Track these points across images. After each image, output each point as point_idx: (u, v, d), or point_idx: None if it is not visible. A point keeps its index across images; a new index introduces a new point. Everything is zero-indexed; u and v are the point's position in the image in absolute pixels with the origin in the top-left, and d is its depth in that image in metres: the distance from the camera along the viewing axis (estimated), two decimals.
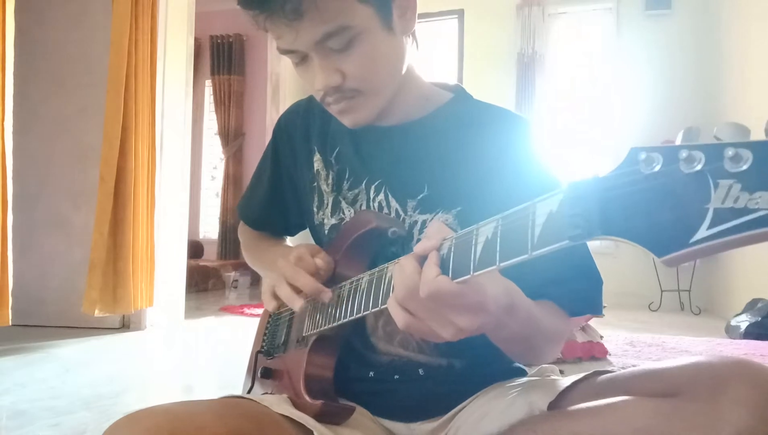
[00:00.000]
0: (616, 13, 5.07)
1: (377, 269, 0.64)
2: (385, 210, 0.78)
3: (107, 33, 2.90)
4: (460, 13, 5.52)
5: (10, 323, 2.26)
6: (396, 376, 0.77)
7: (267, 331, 0.90)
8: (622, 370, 0.64)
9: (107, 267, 2.84)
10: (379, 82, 0.73)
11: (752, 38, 3.96)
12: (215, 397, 0.70)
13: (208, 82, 6.50)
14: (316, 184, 0.86)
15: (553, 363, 0.86)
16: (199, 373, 2.42)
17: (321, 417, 0.68)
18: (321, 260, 0.72)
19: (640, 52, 4.96)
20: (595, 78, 5.22)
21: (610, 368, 0.75)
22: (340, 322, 0.68)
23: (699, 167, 0.32)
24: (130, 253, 2.89)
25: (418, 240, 0.63)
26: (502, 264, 0.45)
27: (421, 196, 0.77)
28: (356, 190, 0.81)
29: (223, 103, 6.35)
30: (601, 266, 0.74)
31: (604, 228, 0.37)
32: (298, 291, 0.71)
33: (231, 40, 6.32)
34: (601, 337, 2.51)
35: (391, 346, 0.78)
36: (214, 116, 6.48)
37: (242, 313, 3.88)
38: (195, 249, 5.68)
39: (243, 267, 5.47)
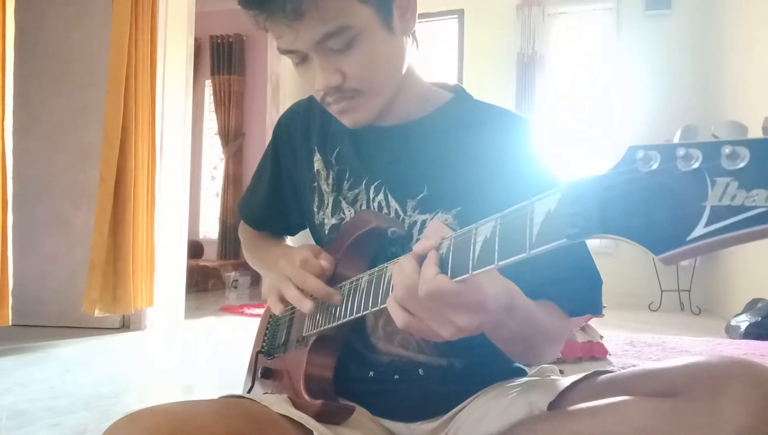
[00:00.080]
0: (616, 13, 5.07)
1: (377, 269, 0.64)
2: (385, 210, 0.78)
3: (107, 33, 2.90)
4: (460, 13, 5.52)
5: (10, 323, 2.26)
6: (396, 376, 0.77)
7: (267, 332, 0.91)
8: (622, 370, 0.64)
9: (107, 267, 2.84)
10: (379, 82, 0.73)
11: (752, 38, 3.96)
12: (215, 397, 0.70)
13: (208, 82, 6.50)
14: (316, 184, 0.86)
15: (553, 363, 0.86)
16: (199, 373, 2.42)
17: (321, 417, 0.68)
18: (326, 262, 0.72)
19: (640, 52, 4.97)
20: (595, 78, 5.22)
21: (610, 368, 0.75)
22: (339, 321, 0.68)
23: (696, 165, 0.32)
24: (130, 253, 2.89)
25: (418, 240, 0.63)
26: (500, 263, 0.45)
27: (420, 196, 0.77)
28: (356, 190, 0.81)
29: (223, 103, 6.35)
30: (601, 266, 0.74)
31: (602, 226, 0.37)
32: (305, 293, 0.71)
33: (231, 40, 6.32)
34: (601, 337, 2.51)
35: (391, 346, 0.78)
36: (214, 116, 6.48)
37: (242, 313, 3.88)
38: (195, 249, 5.69)
39: (243, 267, 5.47)
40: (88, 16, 3.17)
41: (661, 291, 4.59)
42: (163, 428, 0.55)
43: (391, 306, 0.55)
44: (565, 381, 0.67)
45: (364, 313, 0.64)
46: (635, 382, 0.59)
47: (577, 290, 0.71)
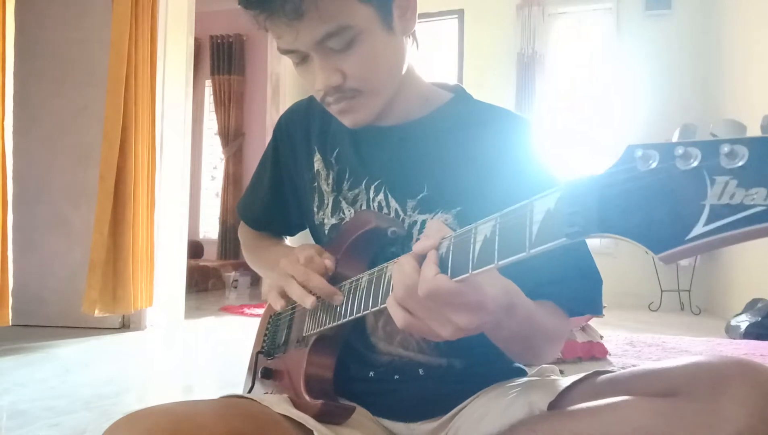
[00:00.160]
0: (616, 13, 5.07)
1: (377, 269, 0.64)
2: (385, 210, 0.78)
3: (107, 33, 2.90)
4: (460, 13, 5.52)
5: (10, 323, 2.26)
6: (396, 376, 0.77)
7: (267, 332, 0.91)
8: (622, 370, 0.64)
9: (107, 267, 2.84)
10: (379, 82, 0.73)
11: (752, 38, 3.96)
12: (215, 397, 0.70)
13: (208, 82, 6.50)
14: (316, 184, 0.86)
15: (553, 363, 0.86)
16: (199, 373, 2.42)
17: (321, 417, 0.68)
18: (329, 261, 0.73)
19: (640, 52, 4.97)
20: (595, 78, 5.22)
21: (610, 368, 0.75)
22: (339, 321, 0.68)
23: (695, 164, 0.32)
24: (130, 253, 2.89)
25: (418, 239, 0.63)
26: (500, 262, 0.45)
27: (420, 196, 0.77)
28: (356, 190, 0.81)
29: (223, 103, 6.35)
30: (601, 266, 0.74)
31: (601, 225, 0.37)
32: (308, 291, 0.72)
33: (231, 40, 6.32)
34: (601, 337, 2.51)
35: (391, 346, 0.78)
36: (214, 116, 6.48)
37: (242, 313, 3.88)
38: (195, 249, 5.69)
39: (243, 267, 5.47)
40: (88, 16, 3.17)
41: (661, 291, 4.59)
42: (163, 428, 0.55)
43: (391, 306, 0.55)
44: (565, 381, 0.67)
45: (365, 313, 0.64)
46: (635, 382, 0.59)
47: (577, 290, 0.71)
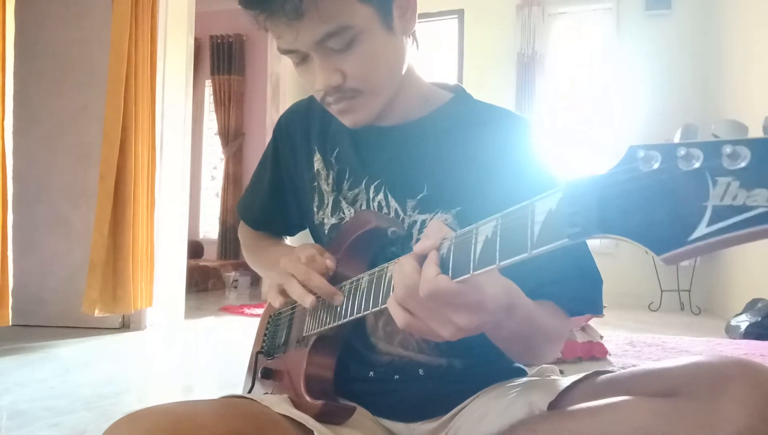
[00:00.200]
0: (616, 13, 5.07)
1: (377, 269, 0.64)
2: (385, 210, 0.78)
3: (107, 33, 2.90)
4: (460, 13, 5.52)
5: (10, 323, 2.26)
6: (396, 376, 0.77)
7: (267, 332, 0.90)
8: (622, 370, 0.64)
9: (107, 267, 2.84)
10: (379, 82, 0.73)
11: (752, 38, 3.96)
12: (215, 397, 0.70)
13: (208, 82, 6.50)
14: (316, 183, 0.86)
15: (553, 363, 0.86)
16: (199, 373, 2.42)
17: (321, 417, 0.68)
18: (330, 261, 0.73)
19: (640, 52, 4.97)
20: (595, 78, 5.22)
21: (610, 368, 0.75)
22: (340, 321, 0.68)
23: (697, 165, 0.32)
24: (130, 253, 2.89)
25: (418, 239, 0.63)
26: (501, 263, 0.45)
27: (420, 196, 0.77)
28: (356, 190, 0.81)
29: (223, 103, 6.35)
30: (601, 266, 0.74)
31: (602, 226, 0.37)
32: (309, 291, 0.72)
33: (231, 40, 6.32)
34: (601, 337, 2.51)
35: (391, 346, 0.78)
36: (214, 116, 6.48)
37: (242, 313, 3.88)
38: (195, 249, 5.69)
39: (243, 267, 5.47)
40: (88, 16, 3.17)
41: (661, 291, 4.59)
42: (163, 428, 0.55)
43: (392, 306, 0.55)
44: (565, 381, 0.67)
45: (365, 313, 0.64)
46: (635, 382, 0.59)
47: (577, 290, 0.71)
